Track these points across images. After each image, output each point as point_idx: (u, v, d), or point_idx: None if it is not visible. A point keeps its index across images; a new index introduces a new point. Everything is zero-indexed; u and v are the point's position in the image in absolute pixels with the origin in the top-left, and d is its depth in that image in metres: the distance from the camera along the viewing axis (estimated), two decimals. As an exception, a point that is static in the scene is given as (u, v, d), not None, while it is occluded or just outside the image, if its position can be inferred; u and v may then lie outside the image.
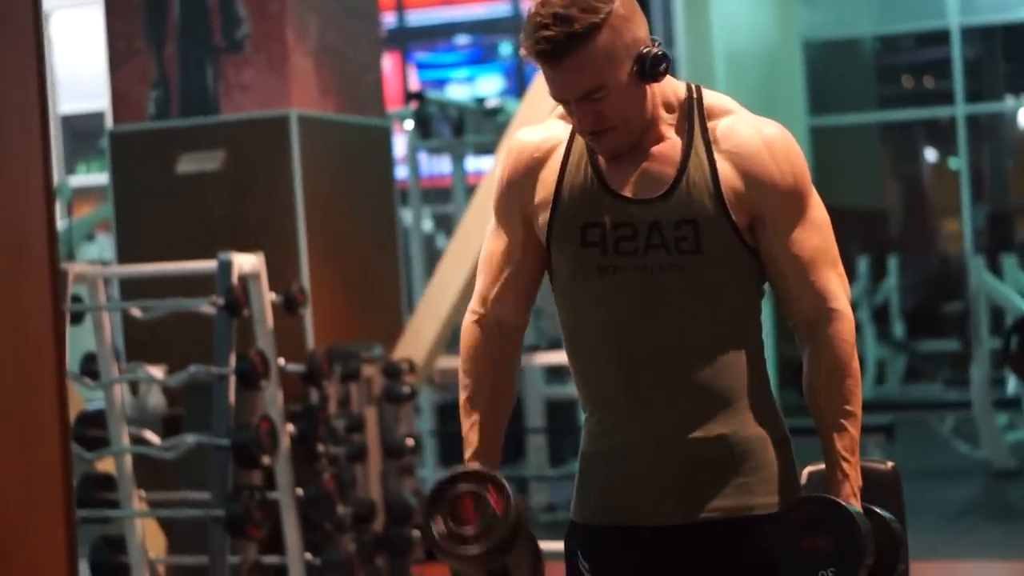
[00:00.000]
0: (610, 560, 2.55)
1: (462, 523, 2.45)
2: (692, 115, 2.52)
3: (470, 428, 2.60)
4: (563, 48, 2.41)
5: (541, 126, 2.62)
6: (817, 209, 2.54)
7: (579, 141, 2.55)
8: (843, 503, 2.47)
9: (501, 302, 2.61)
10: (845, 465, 2.50)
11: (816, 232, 2.52)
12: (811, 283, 2.52)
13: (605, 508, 2.55)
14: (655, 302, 2.48)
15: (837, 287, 2.53)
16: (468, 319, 2.64)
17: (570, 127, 2.57)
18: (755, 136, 2.51)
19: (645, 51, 2.46)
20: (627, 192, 2.50)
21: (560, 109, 2.59)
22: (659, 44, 2.48)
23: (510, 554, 2.47)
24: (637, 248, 2.48)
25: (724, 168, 2.49)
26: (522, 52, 2.47)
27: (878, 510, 2.56)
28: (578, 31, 2.40)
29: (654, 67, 2.46)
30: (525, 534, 2.51)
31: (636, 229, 2.48)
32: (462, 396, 2.62)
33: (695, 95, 2.54)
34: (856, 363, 2.54)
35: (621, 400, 2.51)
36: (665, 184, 2.49)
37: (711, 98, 2.55)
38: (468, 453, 2.59)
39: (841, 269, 2.56)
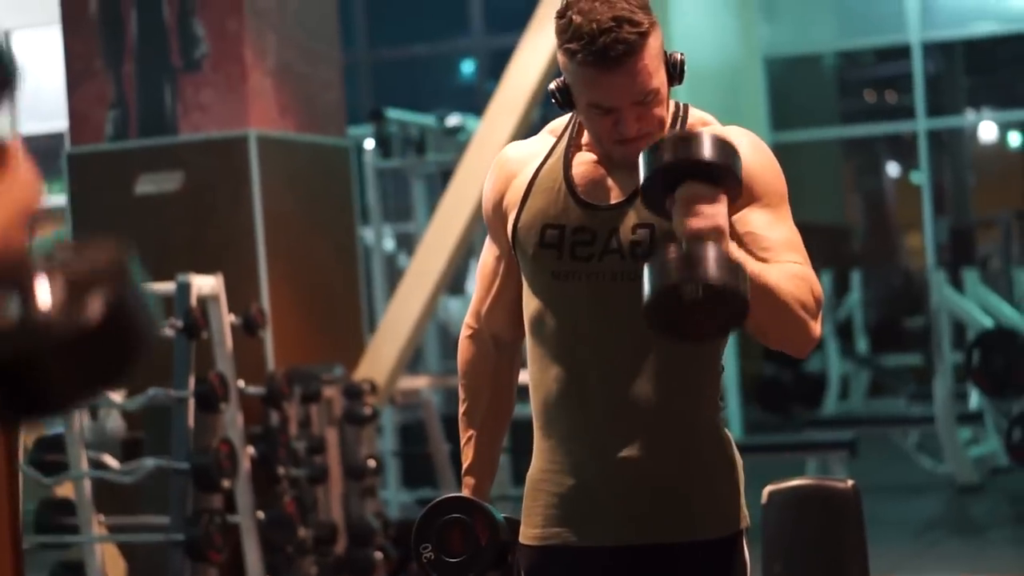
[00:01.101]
0: None
1: (449, 551, 2.53)
2: (674, 128, 2.50)
3: (465, 443, 2.65)
4: (633, 48, 2.36)
5: (530, 140, 2.62)
6: (790, 218, 2.44)
7: (559, 148, 2.54)
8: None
9: (493, 316, 2.63)
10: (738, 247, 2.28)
11: (785, 227, 2.41)
12: (772, 254, 2.37)
13: (547, 529, 2.52)
14: (604, 312, 2.44)
15: (803, 264, 2.37)
16: (463, 333, 2.68)
17: (554, 139, 2.55)
18: (718, 130, 2.47)
19: (671, 54, 2.45)
20: (592, 199, 2.48)
21: (553, 124, 2.59)
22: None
23: None
24: (593, 254, 2.45)
25: None
26: (571, 62, 2.39)
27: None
28: (644, 31, 2.37)
29: (682, 70, 2.46)
30: (512, 560, 2.56)
31: (595, 234, 2.45)
32: (460, 410, 2.67)
33: (682, 112, 2.53)
34: (806, 296, 2.32)
35: (569, 415, 2.47)
36: (630, 189, 2.45)
37: (695, 114, 2.54)
38: (463, 468, 2.66)
39: (811, 271, 2.39)
